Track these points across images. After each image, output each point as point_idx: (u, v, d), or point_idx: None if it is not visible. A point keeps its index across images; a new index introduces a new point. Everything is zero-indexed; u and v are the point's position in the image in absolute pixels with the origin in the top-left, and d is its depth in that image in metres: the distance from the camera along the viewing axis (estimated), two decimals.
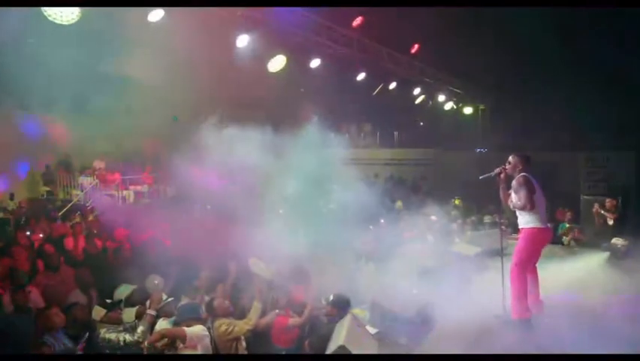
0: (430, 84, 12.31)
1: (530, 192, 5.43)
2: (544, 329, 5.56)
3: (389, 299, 5.97)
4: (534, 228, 5.51)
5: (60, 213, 11.63)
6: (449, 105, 14.60)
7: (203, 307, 5.09)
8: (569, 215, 9.92)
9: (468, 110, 15.59)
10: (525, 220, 5.56)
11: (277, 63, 7.70)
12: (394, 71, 10.03)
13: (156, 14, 6.79)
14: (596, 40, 13.22)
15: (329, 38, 7.82)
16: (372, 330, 5.24)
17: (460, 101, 14.73)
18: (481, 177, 6.08)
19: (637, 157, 13.27)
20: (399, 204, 13.91)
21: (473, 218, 10.21)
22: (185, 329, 4.39)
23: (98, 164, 14.41)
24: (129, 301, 5.53)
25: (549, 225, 5.87)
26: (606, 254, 8.20)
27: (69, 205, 12.69)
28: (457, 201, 11.35)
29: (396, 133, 17.81)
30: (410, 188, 16.06)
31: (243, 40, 7.17)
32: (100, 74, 12.02)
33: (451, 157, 15.29)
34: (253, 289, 5.55)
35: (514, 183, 5.61)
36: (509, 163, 5.74)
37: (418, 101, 13.07)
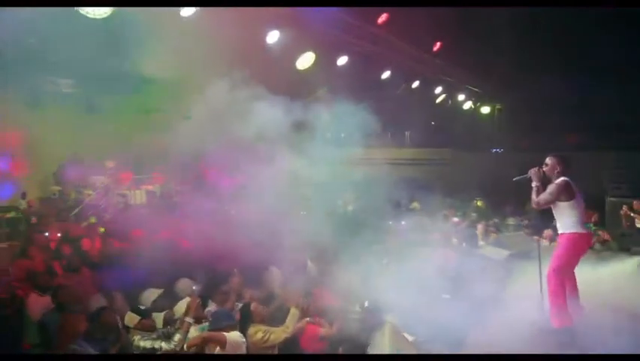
0: (451, 83, 12.08)
1: (555, 200, 5.28)
2: (585, 335, 5.36)
3: (422, 305, 5.77)
4: (575, 233, 5.28)
5: (73, 213, 11.47)
6: (468, 105, 14.35)
7: (236, 313, 4.91)
8: (595, 217, 9.70)
9: (485, 110, 15.34)
10: (565, 225, 5.33)
11: (306, 60, 7.48)
12: (417, 69, 9.83)
13: (188, 10, 6.57)
14: (617, 40, 12.98)
15: (356, 36, 7.60)
16: (409, 337, 5.04)
17: (478, 100, 14.48)
18: (515, 179, 5.87)
19: None
20: (415, 205, 13.69)
21: (495, 220, 9.97)
22: (226, 334, 4.21)
23: (109, 163, 14.24)
24: (156, 307, 5.35)
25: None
26: (638, 258, 7.98)
27: (81, 205, 12.52)
28: (479, 203, 11.10)
29: (407, 133, 17.56)
30: (423, 188, 15.84)
31: (273, 37, 6.96)
32: (112, 72, 11.83)
33: (466, 157, 15.04)
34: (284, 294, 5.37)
35: (553, 185, 5.40)
36: (546, 165, 5.53)
37: (438, 100, 12.85)
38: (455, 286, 6.53)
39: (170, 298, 5.54)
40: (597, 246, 9.21)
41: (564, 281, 5.43)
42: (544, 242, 9.63)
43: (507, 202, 11.08)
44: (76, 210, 12.10)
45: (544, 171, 5.52)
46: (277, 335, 4.71)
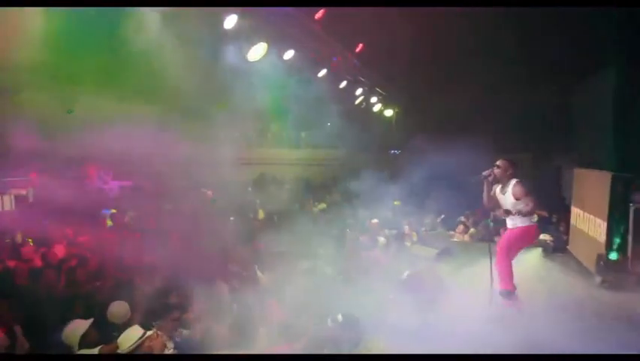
0: (366, 84, 12.16)
1: (524, 197, 5.63)
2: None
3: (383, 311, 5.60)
4: (531, 225, 5.79)
5: None
6: (378, 107, 14.64)
7: None
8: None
9: (389, 113, 15.83)
10: (521, 220, 5.73)
11: (257, 51, 6.72)
12: (345, 70, 9.70)
13: None
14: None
15: (303, 30, 7.13)
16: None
17: (384, 103, 14.86)
18: (472, 179, 6.10)
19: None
20: (322, 205, 13.61)
21: (410, 220, 10.28)
22: None
23: None
24: (86, 342, 4.39)
25: None
26: (539, 249, 8.82)
27: None
28: (396, 202, 11.37)
29: (303, 134, 17.49)
30: (322, 189, 15.88)
31: (230, 22, 6.10)
32: None
33: (363, 158, 15.30)
34: None
35: (515, 189, 5.73)
36: (498, 167, 5.86)
37: (357, 102, 12.90)
38: (401, 288, 6.49)
39: (104, 327, 4.59)
40: None
41: (510, 259, 5.85)
42: (458, 237, 10.26)
43: (415, 203, 11.45)
44: None
45: (495, 174, 5.81)
46: None
